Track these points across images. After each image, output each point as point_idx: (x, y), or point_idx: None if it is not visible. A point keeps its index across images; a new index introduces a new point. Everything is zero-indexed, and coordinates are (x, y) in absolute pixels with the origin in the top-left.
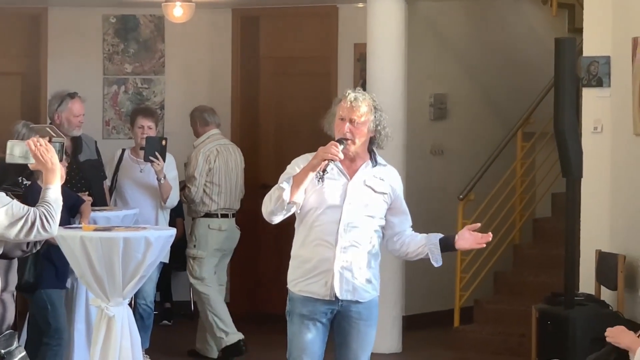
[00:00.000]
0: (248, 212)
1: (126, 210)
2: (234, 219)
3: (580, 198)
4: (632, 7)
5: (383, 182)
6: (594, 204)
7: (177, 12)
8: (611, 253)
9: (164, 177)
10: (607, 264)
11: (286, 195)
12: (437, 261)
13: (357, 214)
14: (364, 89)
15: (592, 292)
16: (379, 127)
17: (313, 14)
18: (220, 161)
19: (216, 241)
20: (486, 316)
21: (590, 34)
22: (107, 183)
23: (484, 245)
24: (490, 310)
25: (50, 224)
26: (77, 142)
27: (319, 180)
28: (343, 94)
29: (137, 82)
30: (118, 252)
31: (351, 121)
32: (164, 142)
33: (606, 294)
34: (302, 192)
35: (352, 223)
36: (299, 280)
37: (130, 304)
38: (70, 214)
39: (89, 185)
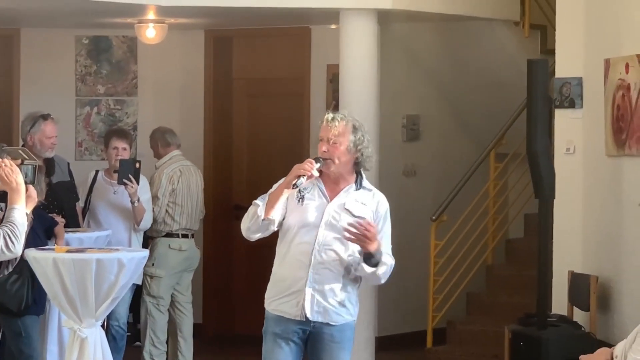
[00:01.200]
0: (221, 233)
1: (99, 232)
2: (193, 239)
3: (553, 219)
4: (604, 29)
5: (364, 206)
6: (567, 224)
7: (150, 33)
8: (584, 274)
9: (138, 200)
10: (579, 284)
11: (260, 211)
12: (368, 272)
13: (333, 237)
14: (337, 110)
15: (565, 313)
16: (359, 147)
17: (286, 35)
18: (182, 182)
19: (176, 261)
20: (459, 337)
21: (562, 55)
22: (80, 204)
23: (371, 232)
24: (463, 331)
25: (14, 244)
26: (49, 163)
27: (299, 201)
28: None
29: (110, 103)
30: (91, 274)
31: (328, 140)
32: (137, 165)
33: (579, 315)
34: (278, 209)
35: (327, 245)
36: (274, 299)
37: (103, 326)
38: (47, 236)
39: (61, 206)
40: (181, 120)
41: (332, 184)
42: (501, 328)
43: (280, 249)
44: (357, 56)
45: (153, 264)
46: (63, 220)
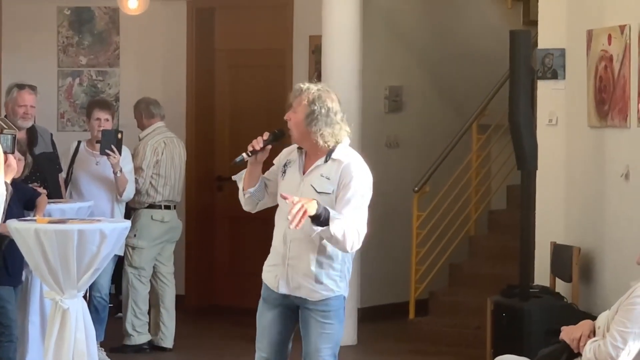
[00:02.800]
0: (203, 205)
1: (81, 203)
2: (175, 210)
3: (535, 190)
4: (587, 0)
5: (328, 181)
6: (549, 196)
7: (132, 4)
8: (566, 245)
9: (120, 171)
10: (562, 256)
11: (240, 186)
12: (314, 232)
13: None
14: (319, 81)
15: (547, 284)
16: (312, 119)
17: (268, 6)
18: (167, 154)
19: (158, 232)
20: (441, 308)
21: (545, 26)
22: (62, 175)
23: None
24: (446, 303)
25: None
26: (31, 134)
27: (282, 175)
28: None
29: (92, 75)
30: (72, 245)
31: (290, 107)
32: (119, 136)
33: (561, 286)
34: (251, 182)
35: None
36: (265, 267)
37: (85, 297)
38: (28, 208)
39: (44, 177)
40: (163, 91)
41: (309, 158)
42: (483, 299)
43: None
44: (340, 27)
45: (135, 235)
46: (45, 191)
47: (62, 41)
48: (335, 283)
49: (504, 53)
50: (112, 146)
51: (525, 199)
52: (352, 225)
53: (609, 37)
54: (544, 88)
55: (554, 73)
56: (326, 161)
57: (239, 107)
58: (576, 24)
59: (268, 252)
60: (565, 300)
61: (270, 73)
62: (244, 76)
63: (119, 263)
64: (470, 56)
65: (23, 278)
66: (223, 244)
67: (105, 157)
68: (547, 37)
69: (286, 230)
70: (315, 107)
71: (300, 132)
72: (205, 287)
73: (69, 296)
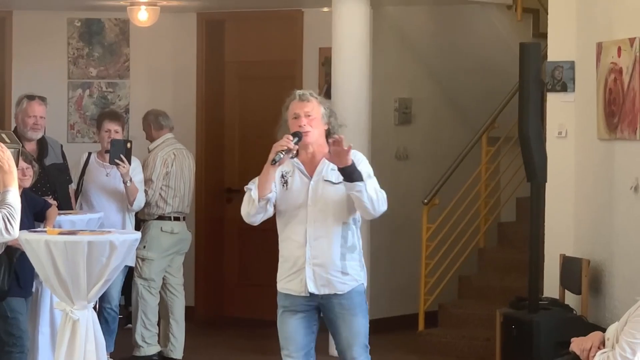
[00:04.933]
0: (213, 216)
1: (91, 214)
2: (185, 222)
3: (545, 202)
4: (596, 13)
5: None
6: (558, 208)
7: (142, 16)
8: (575, 257)
9: (130, 180)
10: (571, 268)
11: (254, 194)
12: (355, 190)
13: (322, 211)
14: (329, 93)
15: (557, 297)
16: (331, 118)
17: (278, 18)
18: (176, 165)
19: (168, 243)
20: (451, 320)
21: (554, 39)
22: (72, 187)
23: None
24: (455, 315)
25: (12, 226)
26: (42, 145)
27: (283, 185)
28: (289, 97)
29: (102, 86)
30: (83, 256)
31: (305, 114)
32: (129, 145)
33: (570, 298)
34: (268, 188)
35: (318, 221)
36: (281, 278)
37: (94, 308)
38: (38, 219)
39: (54, 188)
40: (173, 103)
41: (309, 162)
42: (493, 311)
43: (279, 231)
44: (350, 39)
45: (145, 247)
46: (55, 202)
47: (72, 52)
48: (357, 272)
49: (513, 65)
50: (122, 155)
51: (534, 211)
52: (378, 188)
53: (619, 49)
54: (553, 100)
55: (564, 85)
56: None
57: (249, 118)
58: (586, 36)
59: (277, 263)
60: (574, 312)
61: (280, 85)
62: (253, 88)
63: (129, 274)
64: (479, 68)
65: (33, 289)
66: (232, 256)
67: (115, 169)
68: (557, 50)
69: (308, 232)
70: (327, 105)
71: (320, 131)
72: (215, 298)
73: (79, 307)
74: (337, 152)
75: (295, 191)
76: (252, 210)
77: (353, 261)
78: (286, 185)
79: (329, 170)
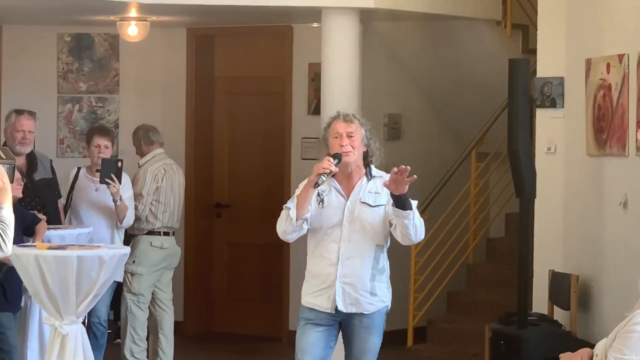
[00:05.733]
0: (202, 231)
1: (80, 229)
2: (174, 237)
3: (534, 218)
4: (586, 29)
5: (379, 195)
6: (547, 224)
7: (132, 31)
8: (564, 273)
9: (120, 199)
10: (560, 283)
11: (293, 214)
12: (404, 217)
13: (356, 231)
14: (318, 109)
15: (545, 312)
16: (370, 141)
17: (268, 33)
18: (166, 180)
19: (157, 258)
20: (439, 336)
21: (544, 55)
22: (61, 201)
23: (407, 178)
24: (444, 330)
25: (6, 243)
26: (31, 160)
27: (319, 204)
28: (332, 117)
29: (92, 101)
30: (72, 271)
31: (347, 135)
32: (119, 164)
33: (559, 314)
34: (307, 207)
35: (352, 241)
36: (307, 293)
37: (83, 323)
38: (27, 234)
39: (43, 203)
40: (162, 118)
41: (346, 182)
42: (482, 327)
43: (310, 248)
44: (339, 55)
45: (134, 262)
46: (44, 217)
47: (62, 67)
48: (385, 294)
49: (502, 81)
50: (112, 175)
51: (523, 227)
52: (419, 216)
53: (608, 65)
54: (542, 116)
55: (553, 101)
56: (369, 180)
57: (238, 134)
58: (575, 52)
59: (267, 278)
60: (563, 328)
61: (269, 100)
62: (243, 103)
63: (118, 289)
64: (469, 84)
65: (22, 304)
66: (222, 271)
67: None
68: (546, 66)
69: (341, 250)
70: (367, 128)
71: (359, 152)
72: (204, 313)
73: (68, 322)
74: (397, 180)
75: (331, 210)
76: (288, 229)
77: (382, 283)
78: (322, 204)
79: (366, 193)
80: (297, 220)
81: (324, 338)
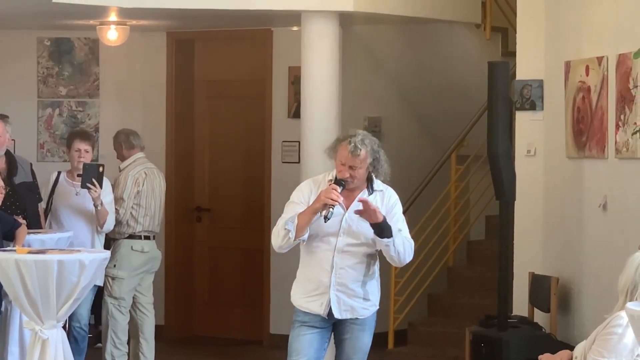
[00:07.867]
0: (183, 235)
1: (60, 234)
2: (155, 241)
3: (514, 221)
4: (565, 32)
5: (379, 209)
6: (527, 226)
7: (112, 35)
8: (544, 275)
9: (101, 204)
10: (540, 286)
11: (292, 235)
12: (384, 244)
13: (351, 242)
14: (298, 112)
15: (526, 315)
16: (377, 166)
17: (248, 37)
18: (147, 184)
19: (138, 262)
20: (420, 338)
21: (523, 57)
22: (42, 205)
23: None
24: (424, 333)
25: None
26: (11, 164)
27: (324, 219)
28: (347, 138)
29: (72, 105)
30: (52, 275)
31: (351, 167)
32: (101, 169)
33: (539, 316)
34: (306, 230)
35: (347, 250)
36: (301, 296)
37: (64, 327)
38: (7, 238)
39: (23, 207)
40: (143, 122)
41: (347, 195)
42: (462, 329)
43: (303, 254)
44: (319, 58)
45: (115, 265)
46: (25, 221)
47: (42, 72)
48: (377, 297)
49: (482, 84)
50: (94, 180)
51: (503, 229)
52: (406, 240)
53: (587, 68)
54: (522, 119)
55: (532, 104)
56: (370, 193)
57: (219, 137)
58: (554, 55)
59: (248, 281)
60: (543, 330)
61: (249, 104)
62: (223, 107)
63: (99, 293)
64: (448, 87)
65: (2, 308)
66: (202, 274)
67: (85, 189)
68: (526, 68)
69: (335, 259)
70: (377, 155)
71: (364, 177)
72: (185, 317)
73: (49, 326)
74: (365, 211)
75: (332, 219)
76: (284, 245)
77: (373, 287)
78: (326, 220)
79: None
80: (295, 239)
81: (318, 340)
